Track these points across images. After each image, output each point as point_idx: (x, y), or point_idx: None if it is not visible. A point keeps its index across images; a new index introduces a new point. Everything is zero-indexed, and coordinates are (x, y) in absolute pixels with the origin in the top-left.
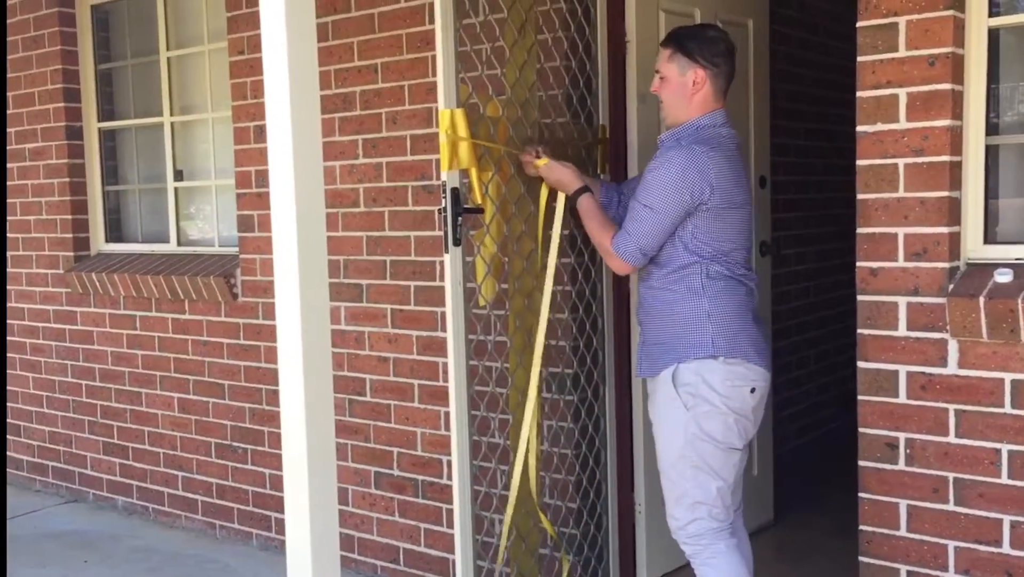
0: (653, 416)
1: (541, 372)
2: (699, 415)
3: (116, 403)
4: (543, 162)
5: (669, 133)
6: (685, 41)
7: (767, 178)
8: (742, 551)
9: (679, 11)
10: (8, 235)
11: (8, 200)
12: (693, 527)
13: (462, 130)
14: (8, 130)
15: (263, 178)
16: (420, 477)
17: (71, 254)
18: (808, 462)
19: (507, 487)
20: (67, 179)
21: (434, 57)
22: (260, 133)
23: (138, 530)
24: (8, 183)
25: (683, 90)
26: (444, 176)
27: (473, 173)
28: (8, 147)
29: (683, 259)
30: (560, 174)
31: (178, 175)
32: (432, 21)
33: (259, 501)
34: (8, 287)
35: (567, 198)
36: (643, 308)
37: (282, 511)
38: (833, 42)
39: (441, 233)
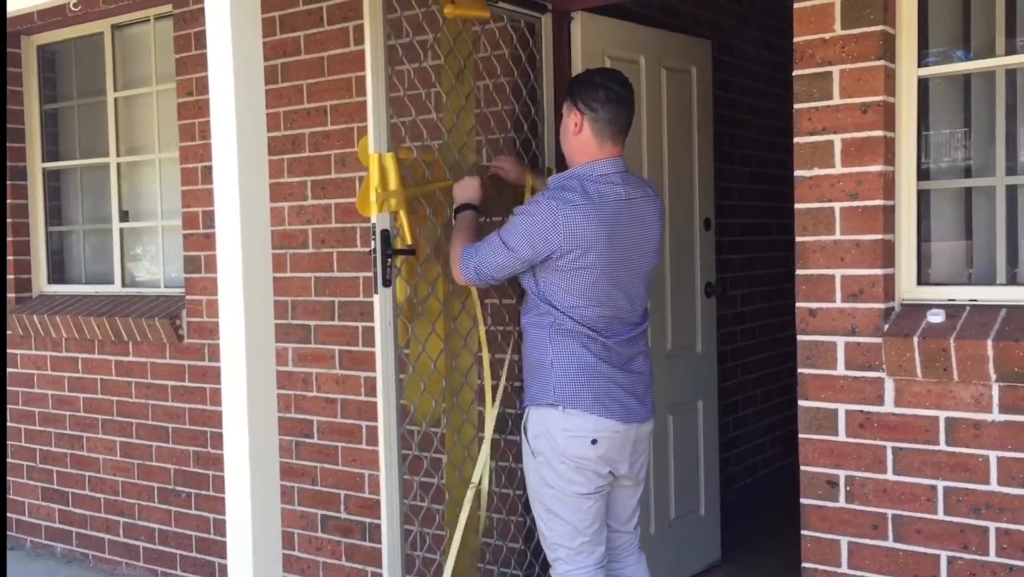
0: None
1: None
2: (541, 463)
3: (56, 447)
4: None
5: (554, 177)
6: (571, 84)
7: (711, 220)
8: None
9: (625, 57)
10: None
11: None
12: (558, 567)
13: (392, 173)
14: None
15: (210, 219)
16: (367, 520)
17: (12, 296)
18: (756, 501)
19: (441, 526)
20: (9, 220)
21: None
22: (208, 174)
23: None
24: None
25: (565, 131)
26: (374, 218)
27: (402, 215)
28: None
29: (539, 306)
30: (463, 186)
31: (124, 216)
32: None
33: (203, 547)
34: None
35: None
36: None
37: (226, 557)
38: (774, 89)
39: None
